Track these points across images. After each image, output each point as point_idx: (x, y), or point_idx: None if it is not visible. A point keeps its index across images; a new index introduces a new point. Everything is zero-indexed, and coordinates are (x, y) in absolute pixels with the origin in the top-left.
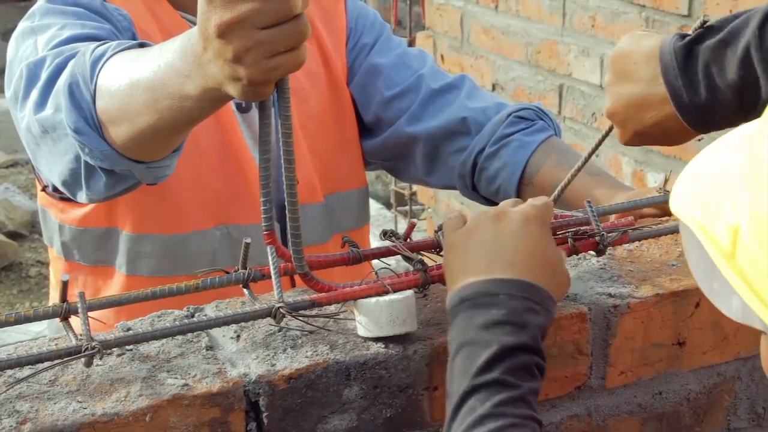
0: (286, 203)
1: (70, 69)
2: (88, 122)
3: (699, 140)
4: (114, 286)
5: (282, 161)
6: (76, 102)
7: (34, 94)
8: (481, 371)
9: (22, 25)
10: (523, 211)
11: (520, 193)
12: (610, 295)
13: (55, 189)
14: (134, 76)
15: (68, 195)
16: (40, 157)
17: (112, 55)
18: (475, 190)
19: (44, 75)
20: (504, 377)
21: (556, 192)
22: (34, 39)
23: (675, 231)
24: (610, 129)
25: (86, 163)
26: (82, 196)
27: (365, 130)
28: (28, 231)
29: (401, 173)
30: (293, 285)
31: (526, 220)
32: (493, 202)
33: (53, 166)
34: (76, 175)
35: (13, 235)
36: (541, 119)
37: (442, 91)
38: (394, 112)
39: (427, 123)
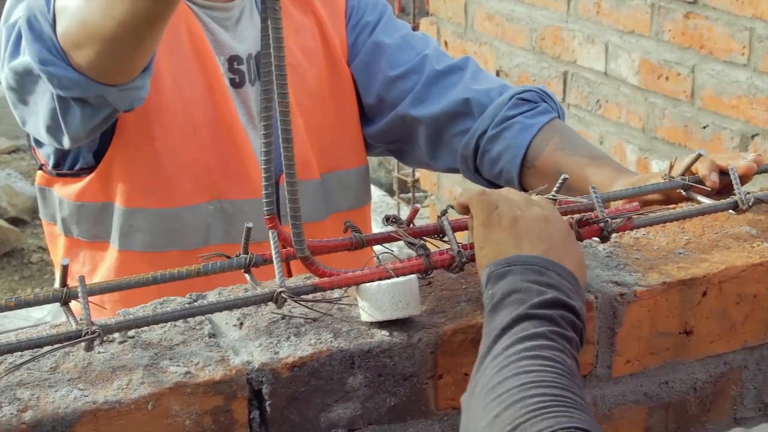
0: (285, 185)
1: (26, 5)
2: (52, 51)
3: (704, 127)
4: (108, 261)
5: (281, 142)
6: (36, 34)
7: (9, 47)
8: (536, 306)
9: (8, 1)
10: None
11: (522, 176)
12: (616, 284)
13: (55, 166)
14: None
15: (55, 144)
16: (27, 115)
17: None
18: (477, 173)
19: (15, 28)
20: (558, 319)
21: (557, 184)
22: (21, 6)
23: (681, 218)
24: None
25: (60, 97)
26: (64, 140)
27: (367, 115)
28: (30, 217)
29: (405, 156)
30: (290, 273)
31: (568, 225)
32: (495, 185)
33: (38, 116)
34: (55, 116)
35: (15, 221)
36: (545, 101)
37: (446, 72)
38: (397, 92)
39: (431, 106)
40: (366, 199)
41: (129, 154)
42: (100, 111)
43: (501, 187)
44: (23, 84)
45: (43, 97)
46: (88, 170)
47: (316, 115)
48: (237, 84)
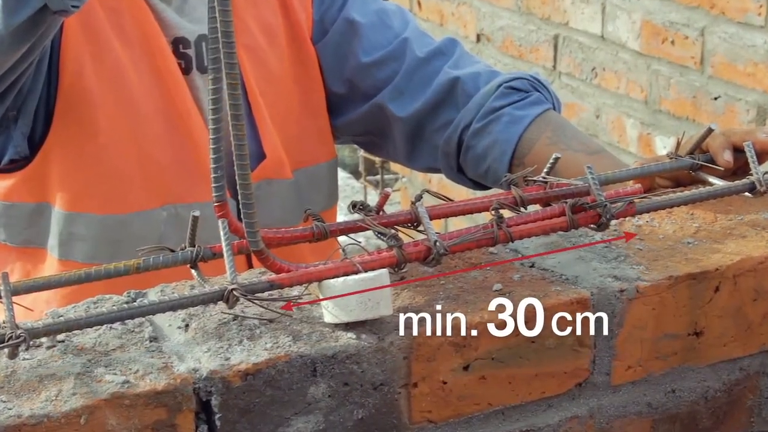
0: (235, 168)
1: None
2: None
3: (715, 99)
4: (47, 272)
5: (230, 119)
6: None
7: None
8: None
9: None
10: None
11: None
12: (616, 278)
13: None
14: None
15: None
16: None
17: None
18: (461, 172)
19: None
20: None
21: (548, 165)
22: None
23: (690, 202)
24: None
25: None
26: None
27: (333, 103)
28: None
29: (375, 149)
30: (250, 266)
31: None
32: (482, 186)
33: None
34: None
35: None
36: (537, 90)
37: (428, 58)
38: (372, 81)
39: (413, 100)
40: (335, 198)
41: (69, 149)
42: (26, 3)
43: (488, 188)
44: None
45: None
46: (18, 164)
47: (280, 104)
48: (183, 71)
